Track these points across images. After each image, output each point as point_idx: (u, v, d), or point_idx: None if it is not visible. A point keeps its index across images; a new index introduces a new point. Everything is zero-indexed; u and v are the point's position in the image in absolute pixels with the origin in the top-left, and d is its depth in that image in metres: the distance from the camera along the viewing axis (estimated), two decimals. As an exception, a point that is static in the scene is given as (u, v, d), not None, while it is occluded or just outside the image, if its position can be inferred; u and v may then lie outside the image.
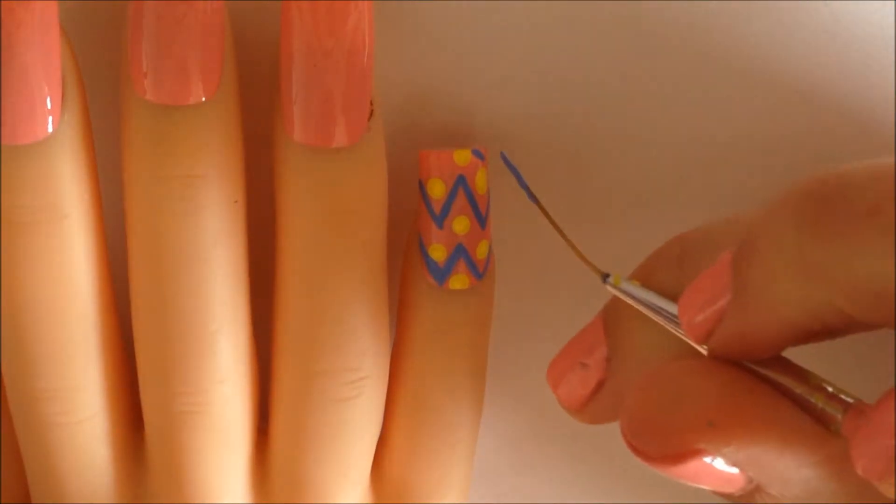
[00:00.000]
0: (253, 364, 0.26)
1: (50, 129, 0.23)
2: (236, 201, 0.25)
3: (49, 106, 0.23)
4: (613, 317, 0.24)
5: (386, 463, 0.28)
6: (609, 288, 0.24)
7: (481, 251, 0.26)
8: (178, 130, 0.24)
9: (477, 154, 0.25)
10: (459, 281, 0.26)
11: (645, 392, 0.22)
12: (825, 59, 0.27)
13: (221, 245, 0.24)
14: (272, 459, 0.27)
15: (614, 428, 0.31)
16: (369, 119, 0.24)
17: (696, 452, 0.21)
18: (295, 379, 0.26)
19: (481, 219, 0.26)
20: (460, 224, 0.25)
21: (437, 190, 0.25)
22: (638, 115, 0.27)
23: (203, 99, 0.23)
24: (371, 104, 0.24)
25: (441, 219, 0.25)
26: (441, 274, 0.26)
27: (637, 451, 0.21)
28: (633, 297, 0.23)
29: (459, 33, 0.26)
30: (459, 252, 0.26)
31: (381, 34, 0.25)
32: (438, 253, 0.26)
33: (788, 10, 0.26)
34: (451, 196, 0.25)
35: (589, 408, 0.25)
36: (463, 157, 0.25)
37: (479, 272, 0.26)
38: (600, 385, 0.24)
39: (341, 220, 0.25)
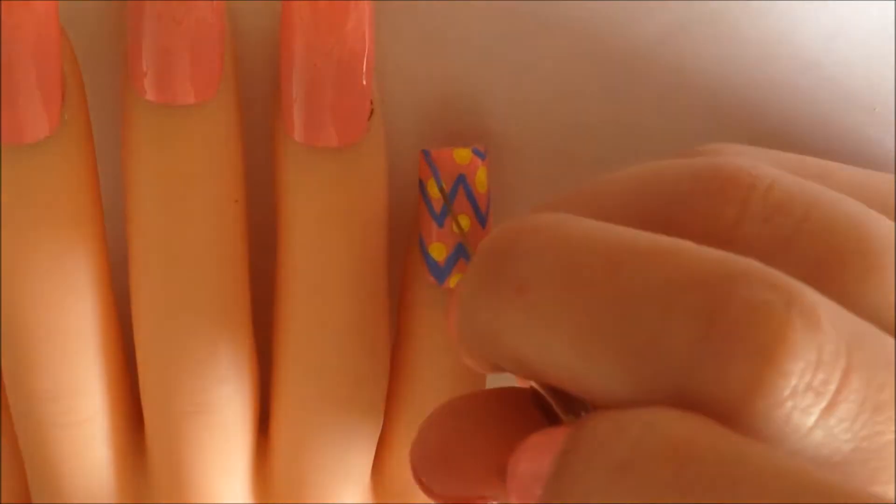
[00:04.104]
0: (253, 364, 0.26)
1: (50, 129, 0.23)
2: (236, 201, 0.25)
3: (49, 106, 0.23)
4: None
5: (386, 463, 0.28)
6: None
7: (481, 251, 0.26)
8: (178, 130, 0.23)
9: (477, 153, 0.25)
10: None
11: (436, 429, 0.22)
12: (825, 59, 0.27)
13: (222, 245, 0.24)
14: (273, 459, 0.27)
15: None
16: (369, 119, 0.24)
17: (483, 499, 0.21)
18: (295, 378, 0.26)
19: (482, 218, 0.26)
20: (461, 223, 0.25)
21: (437, 189, 0.25)
22: (640, 116, 0.27)
23: (203, 99, 0.23)
24: (371, 104, 0.24)
25: (441, 218, 0.25)
26: (441, 273, 0.26)
27: (424, 488, 0.21)
28: None
29: (460, 33, 0.26)
30: (460, 251, 0.26)
31: (382, 34, 0.25)
32: (439, 252, 0.26)
33: (788, 9, 0.26)
34: (452, 195, 0.25)
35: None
36: (463, 155, 0.25)
37: (480, 272, 0.26)
38: None
39: (341, 220, 0.25)
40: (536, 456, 0.18)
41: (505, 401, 0.22)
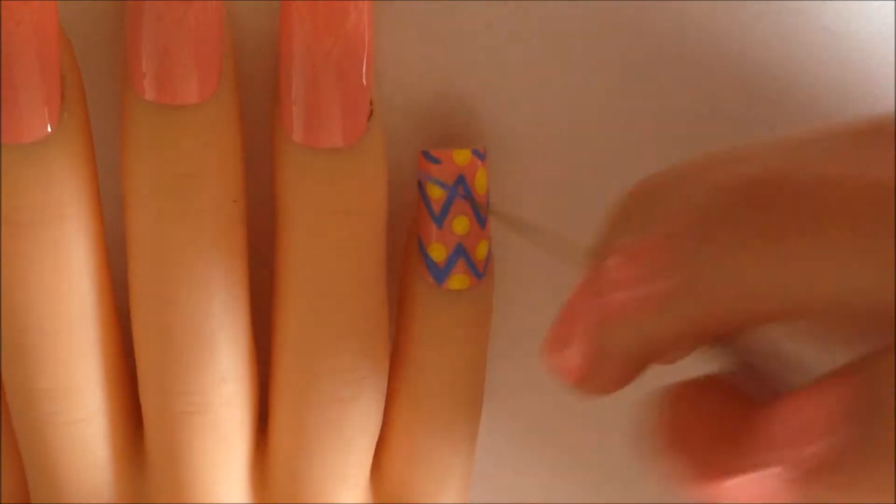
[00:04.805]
0: (253, 364, 0.26)
1: (49, 128, 0.23)
2: (236, 201, 0.25)
3: (48, 106, 0.23)
4: None
5: (385, 463, 0.28)
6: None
7: (481, 251, 0.26)
8: (177, 130, 0.24)
9: (477, 154, 0.25)
10: (459, 281, 0.26)
11: (674, 413, 0.21)
12: (825, 59, 0.27)
13: (221, 245, 0.24)
14: (272, 459, 0.27)
15: (614, 427, 0.31)
16: (369, 119, 0.24)
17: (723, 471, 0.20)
18: (294, 379, 0.26)
19: (481, 219, 0.26)
20: (460, 224, 0.25)
21: (436, 190, 0.25)
22: (640, 116, 0.27)
23: (202, 99, 0.23)
24: (371, 104, 0.24)
25: (441, 219, 0.25)
26: (441, 274, 0.26)
27: (673, 474, 0.21)
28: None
29: (460, 33, 0.26)
30: (459, 252, 0.26)
31: (381, 34, 0.25)
32: (438, 253, 0.26)
33: (789, 9, 0.26)
34: (451, 196, 0.25)
35: (591, 378, 0.23)
36: (463, 156, 0.25)
37: (479, 272, 0.26)
38: (597, 354, 0.23)
39: (341, 220, 0.25)
40: (811, 405, 0.18)
41: (715, 384, 0.22)
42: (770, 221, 0.19)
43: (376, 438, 0.27)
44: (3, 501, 0.27)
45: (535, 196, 0.28)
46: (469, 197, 0.25)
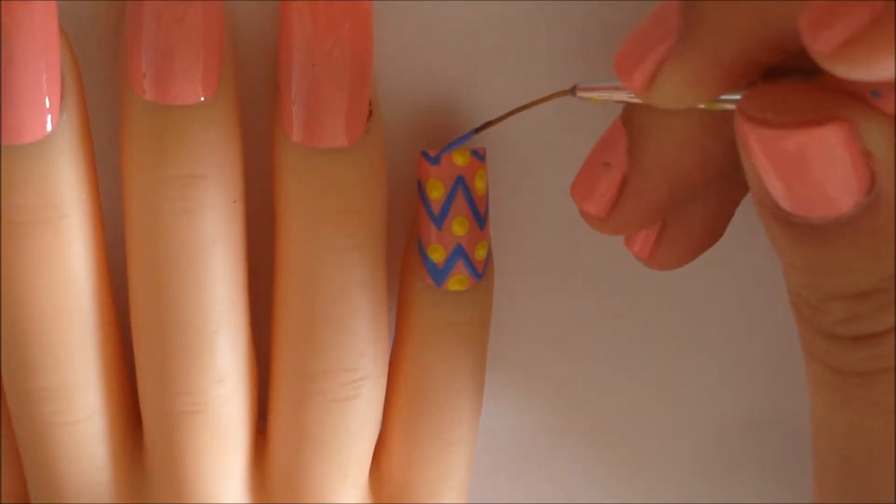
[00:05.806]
0: (252, 364, 0.26)
1: (49, 128, 0.23)
2: (235, 201, 0.25)
3: (48, 105, 0.23)
4: (630, 112, 0.24)
5: (385, 463, 0.28)
6: (581, 96, 0.24)
7: (480, 252, 0.26)
8: (177, 130, 0.24)
9: (476, 155, 0.25)
10: (458, 282, 0.26)
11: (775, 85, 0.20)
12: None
13: (220, 245, 0.24)
14: (271, 459, 0.27)
15: (615, 427, 0.31)
16: (368, 119, 0.24)
17: (839, 120, 0.18)
18: (294, 379, 0.26)
19: (480, 220, 0.26)
20: (459, 225, 0.25)
21: (436, 191, 0.25)
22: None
23: (202, 99, 0.23)
24: (370, 105, 0.24)
25: (440, 219, 0.25)
26: (440, 275, 0.26)
27: (761, 121, 0.19)
28: (605, 93, 0.23)
29: (460, 34, 0.26)
30: (458, 253, 0.26)
31: (381, 34, 0.25)
32: (437, 254, 0.26)
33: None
34: (450, 197, 0.25)
35: (615, 213, 0.24)
36: (462, 157, 0.25)
37: (479, 273, 0.26)
38: (624, 181, 0.23)
39: (341, 220, 0.25)
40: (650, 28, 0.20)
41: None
42: None
43: (376, 438, 0.27)
44: (3, 501, 0.27)
45: (535, 196, 0.28)
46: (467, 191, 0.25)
